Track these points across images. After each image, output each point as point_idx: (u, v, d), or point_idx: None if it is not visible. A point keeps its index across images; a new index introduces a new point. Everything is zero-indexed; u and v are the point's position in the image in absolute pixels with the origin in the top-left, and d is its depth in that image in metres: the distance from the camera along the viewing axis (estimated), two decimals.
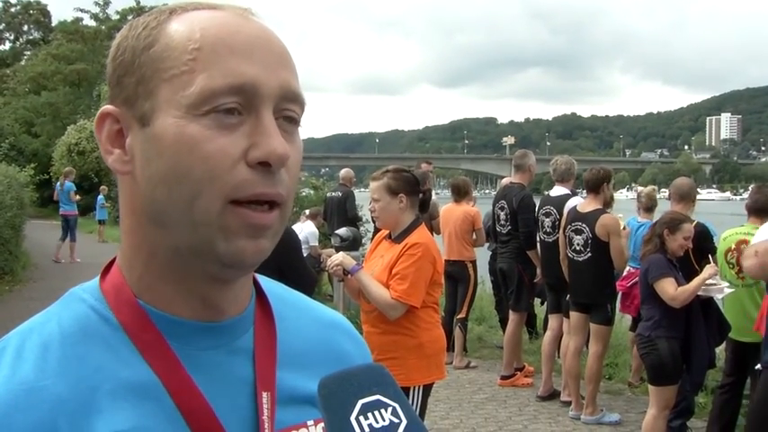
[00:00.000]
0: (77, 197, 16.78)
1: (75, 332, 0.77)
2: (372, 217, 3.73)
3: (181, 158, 0.73)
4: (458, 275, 7.55)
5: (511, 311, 7.16)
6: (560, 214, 6.25)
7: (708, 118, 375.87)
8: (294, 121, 0.79)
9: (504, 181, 8.34)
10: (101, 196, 21.86)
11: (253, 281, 0.89)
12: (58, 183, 17.02)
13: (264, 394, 0.80)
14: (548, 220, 6.46)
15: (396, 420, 0.68)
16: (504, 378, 7.05)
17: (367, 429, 0.66)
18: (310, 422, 0.84)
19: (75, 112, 36.48)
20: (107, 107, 0.79)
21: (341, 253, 3.68)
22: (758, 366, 3.89)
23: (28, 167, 18.03)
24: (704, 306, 4.67)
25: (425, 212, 3.81)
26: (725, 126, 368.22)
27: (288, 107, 0.78)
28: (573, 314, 5.99)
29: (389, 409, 0.68)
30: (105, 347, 0.76)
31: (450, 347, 7.75)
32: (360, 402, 0.68)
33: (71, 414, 0.71)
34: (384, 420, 0.67)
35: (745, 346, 4.89)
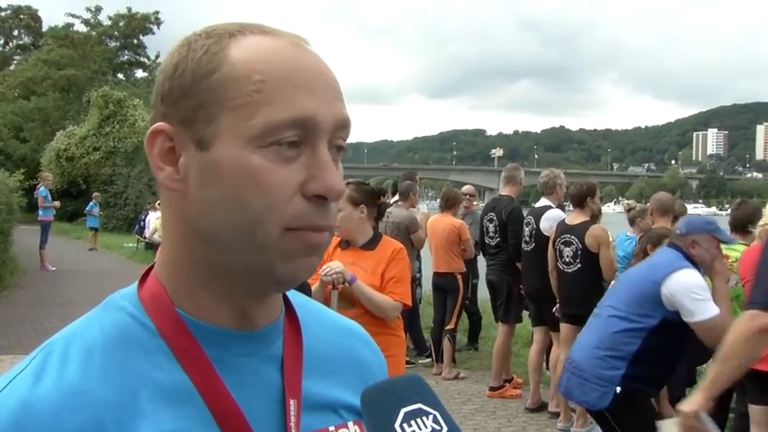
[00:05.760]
0: (56, 203, 16.57)
1: (116, 338, 0.79)
2: None
3: (241, 187, 0.76)
4: (447, 287, 7.60)
5: (500, 323, 7.21)
6: (537, 224, 6.40)
7: (695, 133, 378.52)
8: (342, 149, 0.82)
9: (466, 188, 8.72)
10: (93, 203, 21.53)
11: None
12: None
13: (292, 401, 0.84)
14: (527, 229, 6.57)
15: (437, 427, 0.71)
16: (492, 389, 7.09)
17: None
18: (332, 428, 0.88)
19: (65, 117, 36.36)
20: (160, 124, 0.80)
21: (337, 261, 3.73)
22: None
23: (17, 172, 17.93)
24: None
25: (381, 220, 4.18)
26: (711, 141, 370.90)
27: (339, 137, 0.81)
28: (563, 326, 6.04)
29: (431, 417, 0.71)
30: (144, 353, 0.79)
31: (440, 359, 7.80)
32: (403, 411, 0.71)
33: (116, 416, 0.74)
34: (426, 427, 0.70)
35: None
